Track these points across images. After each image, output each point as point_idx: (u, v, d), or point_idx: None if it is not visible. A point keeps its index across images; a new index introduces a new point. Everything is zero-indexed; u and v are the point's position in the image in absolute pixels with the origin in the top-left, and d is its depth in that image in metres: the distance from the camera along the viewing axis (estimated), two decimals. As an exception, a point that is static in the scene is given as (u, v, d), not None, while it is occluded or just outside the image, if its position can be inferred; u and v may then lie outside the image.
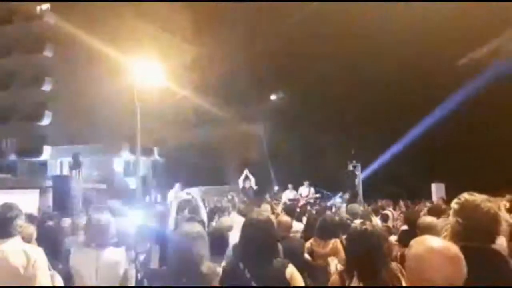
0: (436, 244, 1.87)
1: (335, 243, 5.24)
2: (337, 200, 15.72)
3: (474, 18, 21.81)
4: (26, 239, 4.17)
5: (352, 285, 2.62)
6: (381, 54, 25.95)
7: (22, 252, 3.05)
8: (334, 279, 2.74)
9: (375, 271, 2.60)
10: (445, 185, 19.03)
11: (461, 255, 1.82)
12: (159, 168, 37.90)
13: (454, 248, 1.86)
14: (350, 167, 18.42)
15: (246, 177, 17.05)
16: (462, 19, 22.39)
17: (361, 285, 2.59)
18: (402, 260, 3.33)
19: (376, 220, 8.05)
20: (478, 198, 2.41)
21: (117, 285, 3.69)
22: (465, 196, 2.45)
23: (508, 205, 7.14)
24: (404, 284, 2.54)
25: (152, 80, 22.25)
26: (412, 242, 1.96)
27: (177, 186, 14.60)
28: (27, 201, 19.36)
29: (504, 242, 4.37)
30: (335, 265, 5.05)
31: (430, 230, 3.98)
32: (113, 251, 3.73)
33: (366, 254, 2.67)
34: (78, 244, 3.96)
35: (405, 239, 4.99)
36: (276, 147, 32.09)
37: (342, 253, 5.20)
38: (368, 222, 5.65)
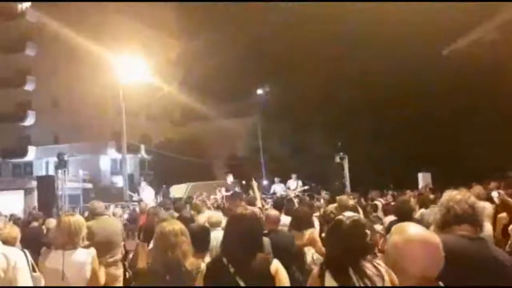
0: (414, 234, 1.84)
1: (312, 234, 5.27)
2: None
3: (457, 8, 21.96)
4: (10, 241, 4.10)
5: (326, 281, 2.58)
6: (365, 45, 26.07)
7: (2, 255, 2.97)
8: (314, 273, 2.71)
9: (349, 268, 2.56)
10: (431, 174, 19.21)
11: (440, 246, 1.81)
12: (146, 165, 37.65)
13: (433, 238, 1.84)
14: (338, 159, 18.48)
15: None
16: (445, 9, 22.53)
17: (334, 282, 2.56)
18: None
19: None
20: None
21: (84, 286, 3.67)
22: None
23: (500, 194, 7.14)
24: (378, 284, 2.52)
25: (137, 76, 22.03)
26: (393, 229, 1.95)
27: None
28: (12, 202, 19.21)
29: (490, 230, 4.44)
30: (311, 254, 5.06)
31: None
32: (80, 253, 3.70)
33: (339, 248, 2.64)
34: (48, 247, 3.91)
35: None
36: (263, 141, 32.12)
37: (319, 243, 5.25)
38: (357, 215, 5.68)
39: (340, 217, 2.93)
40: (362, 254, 2.62)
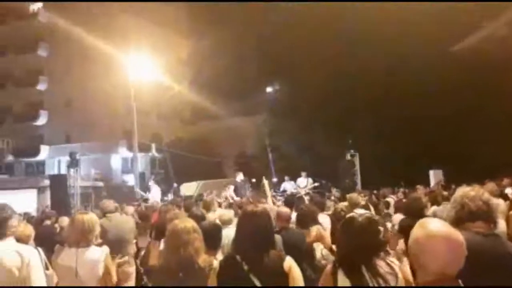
0: (438, 230, 1.82)
1: (318, 230, 5.29)
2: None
3: (463, 5, 21.77)
4: (24, 239, 4.15)
5: (339, 279, 2.57)
6: (375, 42, 25.85)
7: (16, 253, 3.02)
8: (327, 270, 2.69)
9: (363, 265, 2.55)
10: (443, 171, 19.05)
11: (464, 244, 1.78)
12: (157, 164, 37.85)
13: (457, 236, 1.81)
14: (348, 157, 18.40)
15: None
16: (451, 6, 22.32)
17: (345, 278, 2.54)
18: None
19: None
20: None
21: (97, 284, 3.71)
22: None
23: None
24: (391, 282, 2.50)
25: (148, 75, 22.14)
26: (417, 224, 1.93)
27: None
28: (25, 200, 19.39)
29: (504, 227, 4.41)
30: (320, 250, 5.08)
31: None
32: (94, 251, 3.74)
33: (353, 246, 2.62)
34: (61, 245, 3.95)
35: (406, 229, 4.97)
36: (273, 139, 32.08)
37: (327, 239, 5.27)
38: (369, 212, 5.67)
39: (352, 214, 2.92)
40: (375, 251, 2.61)
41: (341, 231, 2.83)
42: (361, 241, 2.60)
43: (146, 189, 17.53)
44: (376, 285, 2.48)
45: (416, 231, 1.87)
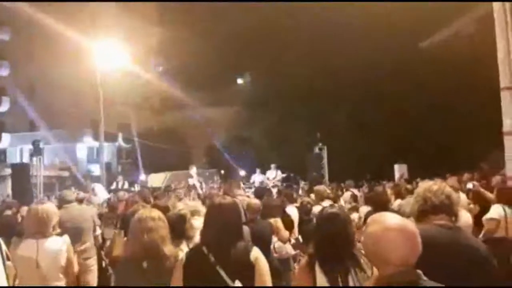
0: (392, 223, 1.86)
1: (275, 222, 5.37)
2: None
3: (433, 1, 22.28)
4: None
5: (316, 271, 2.59)
6: (346, 38, 26.13)
7: (-24, 244, 2.91)
8: (302, 263, 2.72)
9: (340, 258, 2.58)
10: (408, 165, 19.53)
11: (417, 233, 1.83)
12: (124, 154, 37.20)
13: (410, 226, 1.86)
14: (317, 150, 18.61)
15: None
16: (422, 2, 22.79)
17: (321, 272, 2.57)
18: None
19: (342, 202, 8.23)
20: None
21: (59, 274, 3.64)
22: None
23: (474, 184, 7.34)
24: (368, 272, 2.54)
25: (116, 63, 21.65)
26: (369, 220, 1.97)
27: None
28: (-15, 190, 18.72)
29: (468, 219, 4.58)
30: (273, 243, 5.17)
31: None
32: (54, 241, 3.67)
33: (331, 238, 2.65)
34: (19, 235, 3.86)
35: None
36: (243, 131, 32.09)
37: (282, 232, 5.37)
38: (335, 204, 5.76)
39: (333, 208, 2.97)
40: (352, 243, 2.67)
41: (319, 225, 2.86)
42: (341, 233, 2.65)
43: (113, 179, 17.17)
44: (353, 275, 2.53)
45: (372, 226, 1.90)
